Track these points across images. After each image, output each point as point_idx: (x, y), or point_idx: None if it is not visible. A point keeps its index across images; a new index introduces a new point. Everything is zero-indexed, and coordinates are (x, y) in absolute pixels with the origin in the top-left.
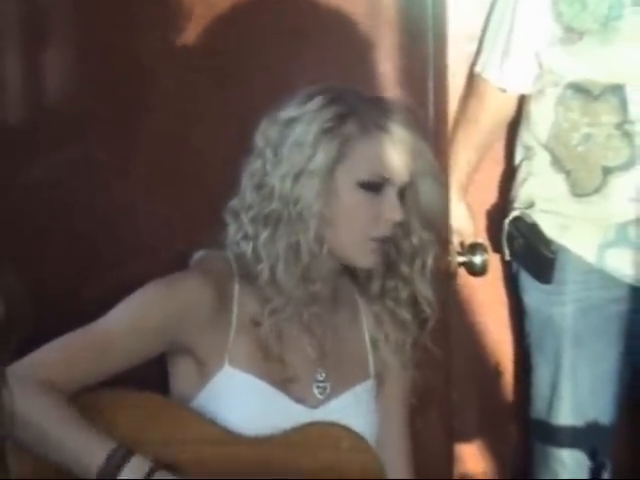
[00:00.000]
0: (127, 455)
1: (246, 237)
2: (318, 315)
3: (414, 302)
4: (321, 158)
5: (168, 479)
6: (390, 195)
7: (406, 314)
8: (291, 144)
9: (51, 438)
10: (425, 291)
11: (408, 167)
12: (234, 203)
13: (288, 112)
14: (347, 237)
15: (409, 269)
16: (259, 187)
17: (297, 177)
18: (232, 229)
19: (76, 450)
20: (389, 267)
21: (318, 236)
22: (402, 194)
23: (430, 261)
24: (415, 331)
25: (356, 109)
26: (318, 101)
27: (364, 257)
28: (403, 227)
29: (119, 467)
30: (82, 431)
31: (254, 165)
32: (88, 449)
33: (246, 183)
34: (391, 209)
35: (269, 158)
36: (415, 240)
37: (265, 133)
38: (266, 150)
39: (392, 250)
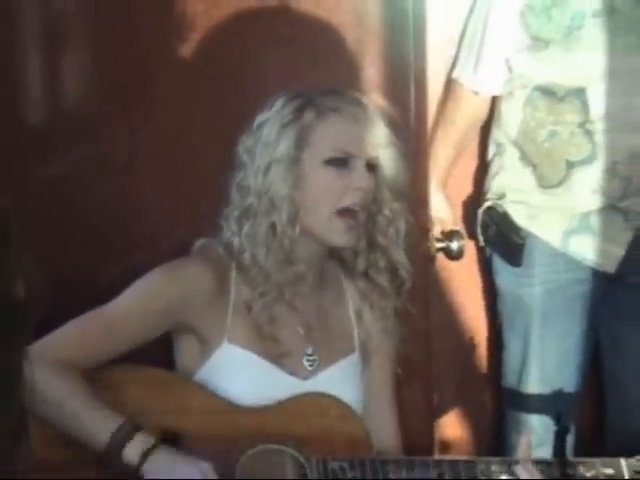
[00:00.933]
0: (132, 432)
1: (234, 233)
2: (302, 295)
3: (392, 269)
4: (283, 146)
5: (166, 455)
6: (357, 166)
7: (385, 281)
8: (261, 145)
9: (66, 412)
10: (400, 257)
11: (369, 141)
12: (225, 210)
13: (258, 119)
14: (319, 214)
15: (385, 239)
16: (240, 189)
17: (266, 170)
18: (224, 230)
19: (87, 424)
20: (371, 244)
21: (290, 218)
22: (372, 168)
23: (402, 228)
24: (394, 295)
25: (312, 100)
26: (279, 103)
27: (339, 235)
28: (376, 202)
29: (124, 443)
30: (93, 406)
31: (238, 175)
32: (98, 424)
33: (233, 192)
34: (358, 178)
35: (247, 162)
36: (387, 211)
37: (243, 144)
38: (244, 156)
39: (370, 227)
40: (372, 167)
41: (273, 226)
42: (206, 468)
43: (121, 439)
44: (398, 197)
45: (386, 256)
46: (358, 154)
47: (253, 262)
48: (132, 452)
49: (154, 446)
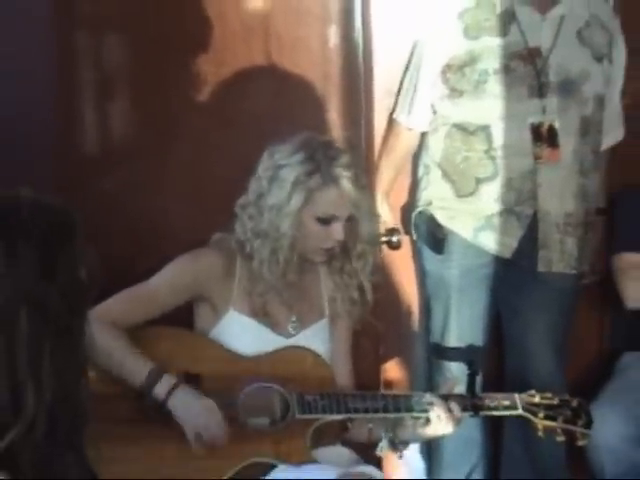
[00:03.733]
0: (160, 375)
1: (247, 239)
2: (288, 285)
3: (360, 288)
4: (293, 203)
5: (186, 393)
6: (336, 225)
7: (355, 293)
8: (278, 183)
9: (113, 360)
10: (366, 284)
11: (350, 207)
12: (242, 202)
13: (280, 159)
14: (308, 247)
15: (357, 263)
16: (258, 206)
17: (279, 211)
18: (238, 226)
19: (128, 369)
20: (344, 253)
21: (290, 249)
22: (349, 220)
23: (370, 262)
24: (361, 303)
25: (321, 166)
26: (298, 157)
27: (318, 257)
28: (352, 239)
29: (154, 383)
30: (133, 356)
31: (255, 185)
32: (136, 370)
33: (250, 197)
34: (336, 233)
35: (265, 187)
36: (359, 248)
37: (264, 165)
38: (263, 180)
39: (345, 251)
40: (350, 219)
41: (274, 249)
42: (211, 404)
43: (152, 380)
44: (369, 241)
45: (356, 279)
46: (339, 216)
47: (259, 269)
48: (160, 390)
49: (176, 385)
